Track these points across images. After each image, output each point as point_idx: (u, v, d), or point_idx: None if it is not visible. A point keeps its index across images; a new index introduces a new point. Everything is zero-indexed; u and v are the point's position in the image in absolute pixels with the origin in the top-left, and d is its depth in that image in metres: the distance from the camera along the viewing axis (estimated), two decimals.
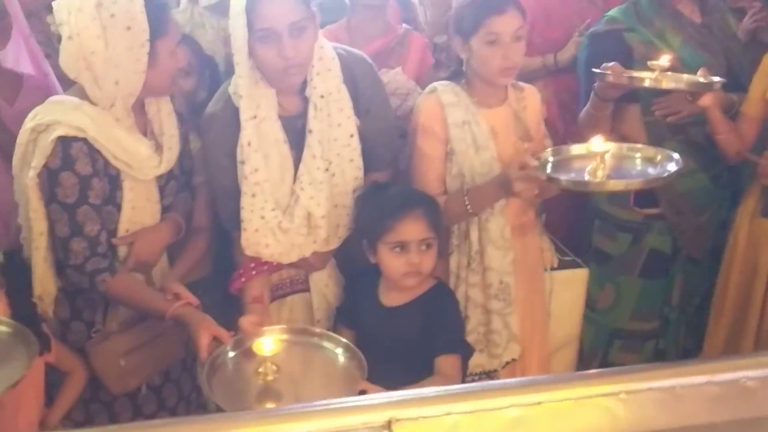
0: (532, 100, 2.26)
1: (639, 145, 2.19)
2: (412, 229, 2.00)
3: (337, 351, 1.86)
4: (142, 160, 1.98)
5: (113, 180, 1.97)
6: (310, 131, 2.08)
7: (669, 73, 2.29)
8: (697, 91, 2.33)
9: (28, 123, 1.93)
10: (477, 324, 2.27)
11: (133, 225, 2.03)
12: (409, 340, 2.00)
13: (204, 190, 2.22)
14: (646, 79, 2.25)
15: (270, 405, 1.70)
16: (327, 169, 2.11)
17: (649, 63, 2.30)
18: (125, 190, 1.99)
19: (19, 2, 2.30)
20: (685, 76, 2.34)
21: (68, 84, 2.36)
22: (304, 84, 2.07)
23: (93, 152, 1.92)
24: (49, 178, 1.91)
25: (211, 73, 2.42)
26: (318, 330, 1.93)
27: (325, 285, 2.26)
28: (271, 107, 2.05)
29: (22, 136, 1.94)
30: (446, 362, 1.98)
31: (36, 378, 1.92)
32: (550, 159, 2.06)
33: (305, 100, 2.09)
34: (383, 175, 2.22)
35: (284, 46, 1.93)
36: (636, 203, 2.68)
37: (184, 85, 2.27)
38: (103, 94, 1.91)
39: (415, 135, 2.22)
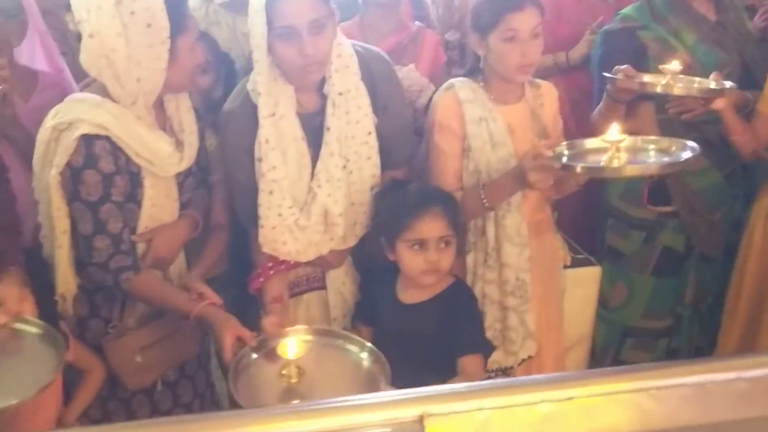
0: (549, 97, 2.26)
1: (653, 137, 2.18)
2: (431, 226, 2.00)
3: (362, 354, 1.86)
4: (163, 157, 1.98)
5: (134, 177, 1.97)
6: (328, 128, 2.08)
7: (681, 76, 2.28)
8: (709, 97, 2.33)
9: (49, 121, 1.93)
10: (493, 321, 2.27)
11: (153, 222, 2.03)
12: (427, 337, 2.00)
13: (221, 187, 2.22)
14: (658, 85, 2.24)
15: None
16: (344, 167, 2.11)
17: (660, 67, 2.29)
18: (146, 188, 1.99)
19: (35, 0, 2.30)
20: (697, 81, 2.33)
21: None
22: (323, 81, 2.07)
23: (115, 150, 1.92)
24: (72, 176, 1.91)
25: (227, 70, 2.42)
26: (342, 332, 1.93)
27: (341, 283, 2.26)
28: (290, 104, 2.05)
29: (43, 135, 1.93)
30: (470, 362, 1.98)
31: None
32: (565, 152, 2.05)
33: (323, 98, 2.09)
34: (400, 172, 2.22)
35: (304, 43, 1.93)
36: (649, 201, 2.68)
37: (201, 82, 2.27)
38: (124, 92, 1.91)
39: (432, 131, 2.22)
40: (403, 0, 2.83)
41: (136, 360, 2.00)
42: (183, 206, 2.12)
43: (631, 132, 2.46)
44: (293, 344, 1.76)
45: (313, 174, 2.10)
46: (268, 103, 2.01)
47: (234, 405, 2.62)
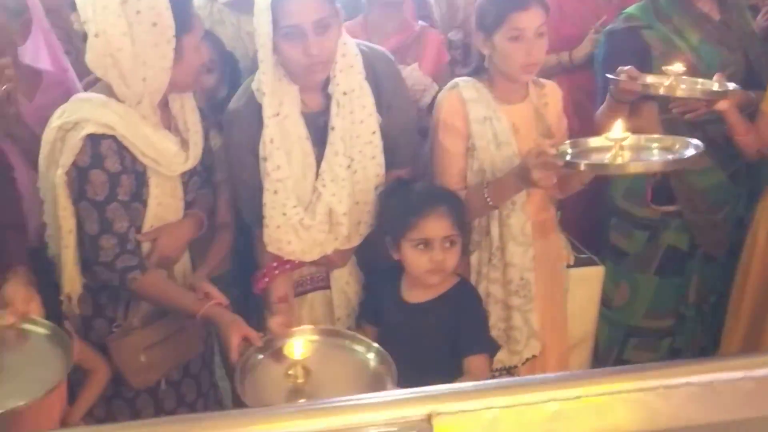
0: (553, 97, 2.26)
1: (656, 136, 2.18)
2: (436, 226, 2.00)
3: (368, 355, 1.86)
4: (169, 156, 1.98)
5: (139, 177, 1.97)
6: (333, 128, 2.08)
7: (684, 77, 2.28)
8: (712, 99, 2.33)
9: (55, 121, 1.93)
10: (497, 320, 2.27)
11: (158, 221, 2.03)
12: (432, 337, 2.00)
13: (226, 187, 2.22)
14: (661, 87, 2.24)
15: None
16: (349, 166, 2.11)
17: (663, 68, 2.29)
18: (151, 187, 1.99)
19: None
20: (700, 82, 2.33)
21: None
22: (327, 81, 2.07)
23: (121, 149, 1.92)
24: (79, 175, 1.90)
25: (231, 69, 2.41)
26: (348, 332, 1.93)
27: (345, 282, 2.26)
28: (294, 104, 2.05)
29: (49, 134, 1.93)
30: (475, 363, 1.99)
31: None
32: (569, 151, 2.05)
33: (328, 97, 2.09)
34: (404, 171, 2.22)
35: (309, 43, 1.93)
36: (653, 200, 2.68)
37: (206, 81, 2.27)
38: (130, 92, 1.91)
39: (437, 130, 2.22)
40: None
41: (140, 359, 2.00)
42: (188, 205, 2.11)
43: (635, 131, 2.47)
44: (300, 344, 1.76)
45: (317, 173, 2.10)
46: (272, 102, 2.01)
47: (239, 405, 2.64)
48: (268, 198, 2.06)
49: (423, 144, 2.35)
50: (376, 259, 2.22)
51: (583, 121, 2.92)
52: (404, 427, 1.04)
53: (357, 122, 2.09)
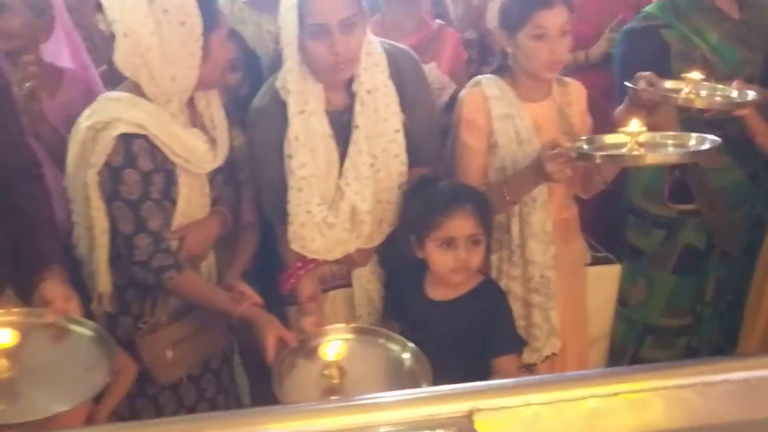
0: (577, 96, 2.27)
1: (672, 133, 2.17)
2: (461, 225, 2.00)
3: (403, 354, 1.85)
4: (199, 154, 1.98)
5: (169, 175, 1.97)
6: (357, 126, 2.08)
7: (705, 83, 2.27)
8: (731, 109, 2.32)
9: (85, 121, 1.93)
10: (517, 317, 2.27)
11: (186, 219, 2.04)
12: (456, 335, 2.00)
13: (249, 185, 2.22)
14: (679, 98, 2.23)
15: None
16: (372, 165, 2.12)
17: (682, 75, 2.28)
18: (180, 185, 1.99)
19: None
20: (719, 90, 2.31)
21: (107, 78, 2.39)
22: (351, 79, 2.07)
23: (153, 148, 1.92)
24: (112, 175, 1.90)
25: (254, 68, 2.42)
26: (383, 331, 1.92)
27: (367, 280, 2.26)
28: (319, 102, 2.05)
29: (78, 135, 1.93)
30: (506, 362, 2.01)
31: None
32: (585, 147, 2.04)
33: (351, 95, 2.09)
34: (426, 170, 2.22)
35: (335, 41, 1.93)
36: (671, 199, 2.68)
37: (231, 79, 2.27)
38: (159, 91, 1.91)
39: (459, 127, 2.23)
40: None
41: (167, 355, 2.01)
42: (213, 203, 2.12)
43: (653, 129, 2.47)
44: (334, 344, 1.77)
45: (341, 172, 2.11)
46: (298, 100, 2.02)
47: (257, 401, 2.65)
48: (292, 196, 2.06)
49: (444, 142, 2.35)
50: (398, 258, 2.22)
51: (599, 120, 2.90)
52: (445, 423, 1.04)
53: (381, 120, 2.10)
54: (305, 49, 1.97)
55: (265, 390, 2.58)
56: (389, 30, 2.68)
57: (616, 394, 1.07)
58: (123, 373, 1.98)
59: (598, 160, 1.97)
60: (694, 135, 2.10)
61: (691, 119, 2.57)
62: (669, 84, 2.31)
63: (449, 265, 2.02)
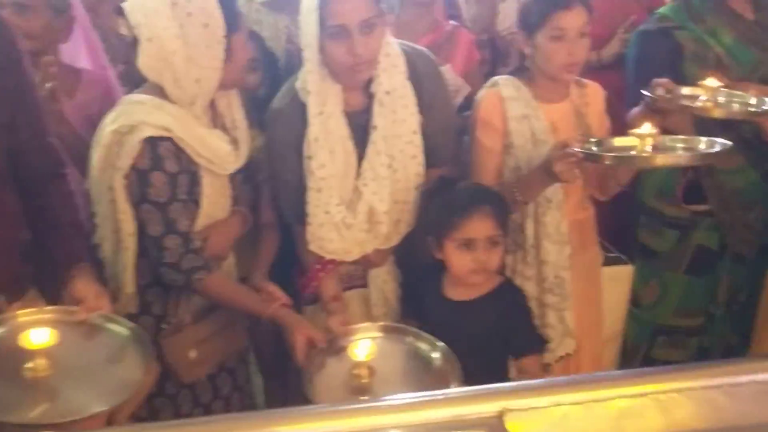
0: (594, 97, 2.27)
1: (682, 137, 2.17)
2: (480, 226, 2.01)
3: (433, 354, 1.85)
4: (223, 155, 1.99)
5: (193, 176, 1.98)
6: (375, 127, 2.09)
7: (722, 89, 2.25)
8: (748, 119, 2.31)
9: (109, 125, 1.93)
10: None
11: (208, 220, 2.04)
12: (474, 335, 2.01)
13: (268, 186, 2.23)
14: (697, 108, 2.22)
15: None
16: (390, 165, 2.12)
17: (699, 83, 2.28)
18: (204, 186, 2.00)
19: None
20: (737, 97, 2.28)
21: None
22: (370, 80, 2.08)
23: (178, 150, 1.93)
24: (139, 178, 1.91)
25: (272, 68, 2.43)
26: (412, 329, 1.92)
27: (383, 281, 2.27)
28: (338, 103, 2.06)
29: (103, 138, 1.94)
30: (530, 363, 2.03)
31: None
32: (594, 149, 2.04)
33: (369, 96, 2.10)
34: (444, 171, 2.23)
35: (354, 43, 1.94)
36: (684, 199, 2.69)
37: (251, 80, 2.28)
38: (184, 93, 1.92)
39: (475, 127, 2.25)
40: None
41: (191, 355, 2.02)
42: (233, 202, 2.12)
43: (668, 130, 2.48)
44: (364, 343, 1.77)
45: (358, 172, 2.12)
46: (317, 101, 2.03)
47: (271, 400, 2.66)
48: (311, 196, 2.07)
49: (460, 143, 2.36)
50: (415, 258, 2.23)
51: (611, 121, 2.93)
52: (476, 423, 1.05)
53: (399, 121, 2.11)
54: (325, 50, 1.98)
55: (279, 389, 2.62)
56: (403, 31, 2.68)
57: (644, 394, 1.08)
58: (147, 374, 1.99)
59: (607, 162, 1.98)
60: (704, 138, 2.10)
61: (705, 120, 2.57)
62: (686, 90, 2.30)
63: (468, 266, 2.03)
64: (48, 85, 2.05)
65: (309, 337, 1.89)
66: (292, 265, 2.28)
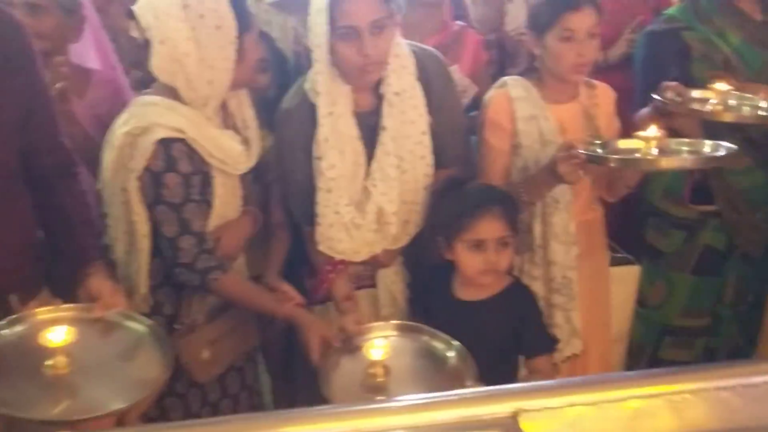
0: (604, 98, 2.28)
1: (687, 140, 2.17)
2: (490, 227, 2.01)
3: (448, 353, 1.85)
4: (235, 155, 2.00)
5: (205, 177, 1.99)
6: (384, 128, 2.10)
7: (733, 92, 2.25)
8: (759, 123, 2.30)
9: (121, 127, 1.94)
10: None
11: (220, 220, 2.05)
12: (484, 335, 2.01)
13: (278, 186, 2.24)
14: (707, 113, 2.22)
15: None
16: (398, 166, 2.13)
17: (708, 86, 2.28)
18: (216, 186, 2.01)
19: None
20: (747, 100, 2.28)
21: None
22: (379, 81, 2.09)
23: (191, 151, 1.94)
24: (153, 180, 1.92)
25: (280, 68, 2.43)
26: (427, 328, 1.92)
27: (391, 281, 2.28)
28: (347, 104, 2.07)
29: (116, 140, 1.94)
30: (542, 362, 2.03)
31: None
32: (599, 151, 2.05)
33: (379, 97, 2.11)
34: (453, 171, 2.24)
35: (364, 43, 1.95)
36: (691, 200, 2.69)
37: (261, 80, 2.29)
38: (196, 95, 1.92)
39: (483, 128, 2.25)
40: (445, 0, 2.84)
41: (204, 355, 2.02)
42: (243, 202, 2.13)
43: (674, 132, 2.48)
44: (379, 342, 1.78)
45: (368, 173, 2.12)
46: (327, 102, 2.04)
47: (278, 399, 2.66)
48: (321, 197, 2.08)
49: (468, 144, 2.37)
50: (423, 259, 2.24)
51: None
52: (491, 424, 1.05)
53: (408, 122, 2.11)
54: (334, 51, 1.99)
55: (286, 388, 2.62)
56: (410, 31, 2.68)
57: (657, 395, 1.09)
58: (166, 371, 1.99)
59: (612, 164, 1.98)
60: (709, 142, 2.10)
61: (712, 121, 2.56)
62: (696, 93, 2.29)
63: (479, 267, 2.03)
64: (58, 85, 2.06)
65: (324, 337, 1.90)
66: (301, 265, 2.29)
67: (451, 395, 1.16)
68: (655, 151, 1.96)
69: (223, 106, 2.05)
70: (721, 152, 2.01)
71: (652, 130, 1.99)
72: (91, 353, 1.57)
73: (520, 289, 2.14)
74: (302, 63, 2.30)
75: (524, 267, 2.29)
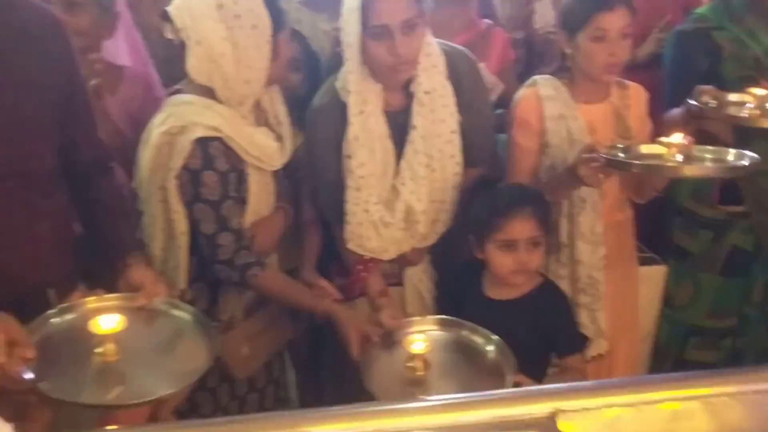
0: (636, 99, 2.27)
1: (710, 147, 2.13)
2: (521, 227, 2.01)
3: (488, 347, 1.84)
4: (270, 152, 2.02)
5: (241, 174, 2.01)
6: (414, 127, 2.11)
7: None
8: None
9: (159, 126, 1.96)
10: None
11: (255, 216, 2.07)
12: (514, 334, 2.02)
13: (308, 183, 2.25)
14: (744, 118, 2.19)
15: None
16: (428, 165, 2.14)
17: (747, 90, 2.25)
18: (251, 183, 2.02)
19: None
20: None
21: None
22: (409, 80, 2.09)
23: (228, 149, 1.96)
24: (191, 178, 1.94)
25: (312, 67, 2.44)
26: (467, 323, 1.91)
27: (419, 280, 2.29)
28: (378, 102, 2.08)
29: (153, 140, 1.96)
30: (575, 361, 2.04)
31: None
32: (621, 155, 2.03)
33: (409, 96, 2.11)
34: (482, 170, 2.24)
35: (396, 43, 1.95)
36: (720, 201, 2.67)
37: (293, 79, 2.30)
38: (233, 94, 1.94)
39: (512, 126, 2.26)
40: None
41: (243, 350, 2.04)
42: (276, 199, 2.15)
43: (704, 134, 2.46)
44: (419, 337, 1.78)
45: (397, 171, 2.13)
46: (357, 101, 2.05)
47: (303, 393, 2.68)
48: (350, 195, 2.09)
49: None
50: (451, 257, 2.24)
51: None
52: (529, 424, 1.06)
53: (438, 121, 2.12)
54: (366, 50, 1.99)
55: (311, 382, 2.64)
56: (438, 29, 2.68)
57: (695, 397, 1.09)
58: (210, 358, 2.00)
59: (634, 170, 1.97)
60: (732, 150, 2.07)
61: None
62: (733, 97, 2.27)
63: (510, 267, 2.03)
64: (93, 82, 2.08)
65: (363, 332, 1.91)
66: (329, 261, 2.30)
67: (488, 395, 1.17)
68: (678, 158, 1.95)
69: (257, 103, 2.07)
70: (745, 161, 1.99)
71: (677, 137, 1.97)
72: (138, 341, 1.59)
73: (551, 289, 2.14)
74: (332, 61, 2.31)
75: (551, 266, 2.29)
